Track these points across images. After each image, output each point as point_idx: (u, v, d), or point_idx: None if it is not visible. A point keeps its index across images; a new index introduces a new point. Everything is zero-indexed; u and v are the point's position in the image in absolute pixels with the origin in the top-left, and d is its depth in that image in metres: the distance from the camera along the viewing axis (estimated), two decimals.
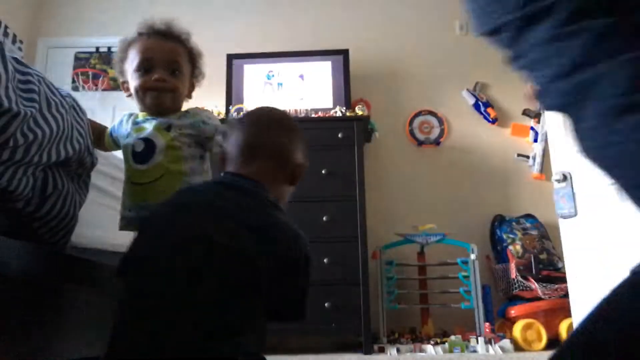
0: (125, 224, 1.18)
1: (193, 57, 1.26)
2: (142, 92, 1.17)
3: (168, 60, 1.18)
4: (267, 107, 1.06)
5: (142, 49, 1.18)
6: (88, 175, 1.17)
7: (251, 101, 3.24)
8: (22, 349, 0.99)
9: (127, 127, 1.22)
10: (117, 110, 3.44)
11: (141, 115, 1.21)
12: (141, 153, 1.15)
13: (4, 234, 0.91)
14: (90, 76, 3.61)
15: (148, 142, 1.15)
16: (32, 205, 0.98)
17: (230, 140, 0.99)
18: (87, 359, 1.32)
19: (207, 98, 3.27)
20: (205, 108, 1.25)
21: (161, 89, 1.17)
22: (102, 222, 1.38)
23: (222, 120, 3.05)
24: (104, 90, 3.56)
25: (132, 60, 1.19)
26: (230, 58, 3.34)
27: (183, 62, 1.21)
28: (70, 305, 1.19)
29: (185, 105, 1.26)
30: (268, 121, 1.01)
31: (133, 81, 1.18)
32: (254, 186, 0.89)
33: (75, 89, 3.54)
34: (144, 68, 1.17)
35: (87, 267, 1.18)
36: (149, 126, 1.17)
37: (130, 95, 1.21)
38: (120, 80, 1.25)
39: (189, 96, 1.28)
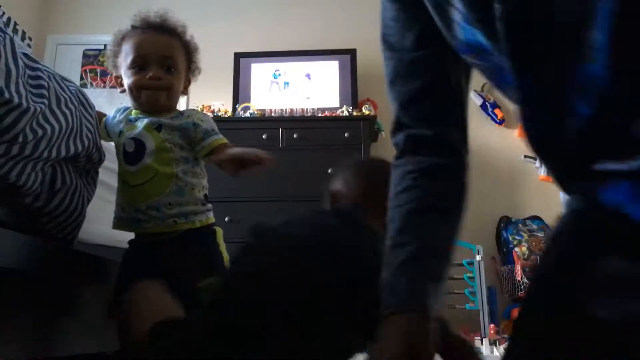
0: (117, 223, 1.17)
1: (189, 52, 1.21)
2: (137, 90, 1.14)
3: (163, 57, 1.14)
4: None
5: (135, 45, 1.13)
6: (96, 171, 1.18)
7: (258, 100, 3.25)
8: (27, 345, 1.00)
9: (119, 125, 1.19)
10: None
11: (134, 113, 1.18)
12: (132, 153, 1.12)
13: (11, 228, 0.92)
14: (99, 73, 3.63)
15: (138, 142, 1.12)
16: (41, 200, 0.98)
17: (347, 183, 1.00)
18: (93, 355, 1.32)
19: (213, 96, 3.28)
20: (199, 109, 1.23)
21: (155, 87, 1.13)
22: (108, 219, 1.39)
23: (221, 119, 3.06)
24: (111, 87, 3.57)
25: (126, 56, 1.14)
26: (237, 57, 3.35)
27: (178, 57, 1.17)
28: (76, 301, 1.19)
29: (192, 101, 1.25)
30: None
31: (127, 78, 1.15)
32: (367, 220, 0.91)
33: (84, 86, 3.56)
34: (137, 65, 1.13)
35: (93, 263, 1.18)
36: (140, 125, 1.13)
37: (124, 91, 1.18)
38: (114, 74, 1.21)
39: (185, 92, 1.24)
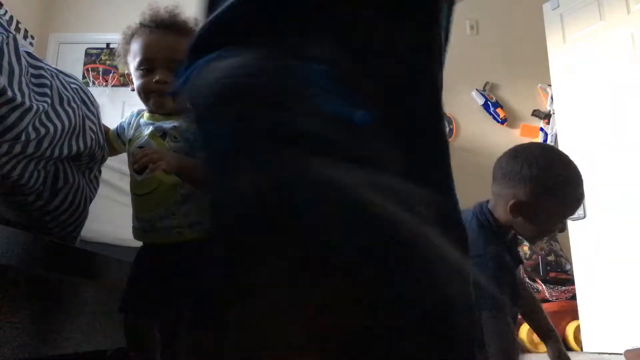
0: (133, 233, 1.16)
1: None
2: (144, 93, 1.12)
3: (170, 59, 1.10)
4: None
5: (143, 47, 1.12)
6: (99, 169, 1.18)
7: None
8: (28, 343, 1.00)
9: (132, 130, 1.18)
10: (126, 106, 3.47)
11: (146, 117, 1.16)
12: None
13: (14, 226, 0.92)
14: (101, 72, 3.63)
15: None
16: (43, 198, 0.99)
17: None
18: (93, 353, 1.33)
19: None
20: None
21: (162, 91, 1.11)
22: (110, 217, 1.39)
23: None
24: (114, 86, 3.58)
25: (134, 57, 1.13)
26: None
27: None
28: (77, 298, 1.19)
29: None
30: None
31: (135, 79, 1.14)
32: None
33: (86, 84, 3.56)
34: (145, 68, 1.11)
35: (95, 261, 1.19)
36: (146, 132, 1.12)
37: (134, 89, 1.16)
38: (126, 72, 1.20)
39: None
